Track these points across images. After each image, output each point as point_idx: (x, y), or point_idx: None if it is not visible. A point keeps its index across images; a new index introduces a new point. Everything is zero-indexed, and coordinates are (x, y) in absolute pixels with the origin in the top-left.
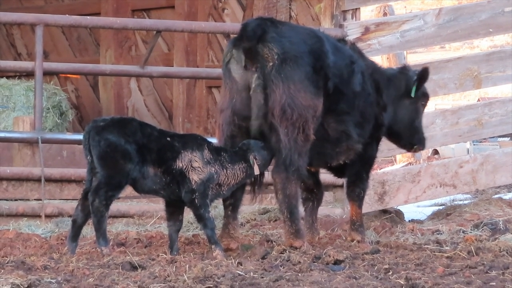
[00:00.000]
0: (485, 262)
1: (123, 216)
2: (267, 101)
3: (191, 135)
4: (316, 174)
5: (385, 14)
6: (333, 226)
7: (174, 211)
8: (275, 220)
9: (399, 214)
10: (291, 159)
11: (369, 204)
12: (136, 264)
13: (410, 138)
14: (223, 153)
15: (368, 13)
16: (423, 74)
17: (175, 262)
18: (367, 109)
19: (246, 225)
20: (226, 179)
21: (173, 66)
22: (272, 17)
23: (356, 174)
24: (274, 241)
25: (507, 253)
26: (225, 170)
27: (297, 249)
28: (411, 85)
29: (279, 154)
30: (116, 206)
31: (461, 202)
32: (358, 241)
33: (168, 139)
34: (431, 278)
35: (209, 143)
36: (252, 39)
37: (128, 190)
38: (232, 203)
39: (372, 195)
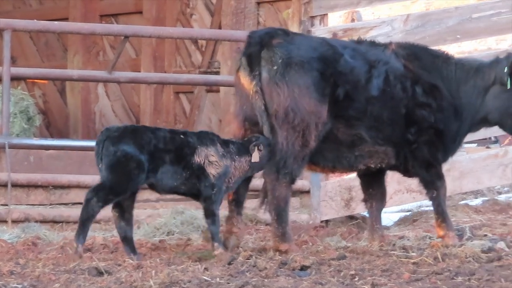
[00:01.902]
0: (451, 268)
1: None
2: (267, 106)
3: (202, 132)
4: (379, 176)
5: (353, 20)
6: (299, 232)
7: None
8: None
9: (365, 220)
10: (285, 162)
11: (336, 210)
12: (103, 270)
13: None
14: (231, 145)
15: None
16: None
17: (141, 267)
18: (385, 113)
19: None
20: (234, 171)
21: (140, 72)
22: (286, 28)
23: (421, 180)
24: (241, 247)
25: (473, 259)
26: (234, 163)
27: (283, 252)
28: (504, 75)
29: (274, 156)
30: None
31: (427, 208)
32: (442, 237)
33: (182, 136)
34: (397, 284)
35: (219, 137)
36: (256, 45)
37: None
38: (236, 198)
39: (339, 201)
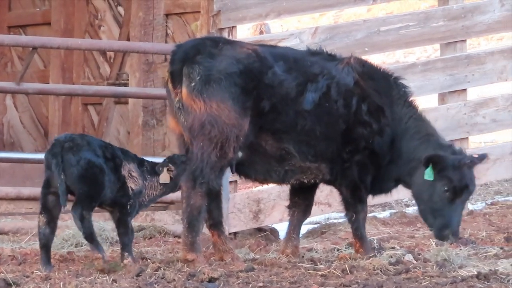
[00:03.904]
0: (359, 281)
1: None
2: (186, 120)
3: (122, 148)
4: (310, 188)
5: (261, 33)
6: (208, 244)
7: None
8: (150, 238)
9: (274, 232)
10: (201, 171)
11: (244, 222)
12: (11, 281)
13: None
14: (145, 164)
15: (244, 32)
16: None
17: (50, 279)
18: (319, 128)
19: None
20: (147, 191)
21: (49, 83)
22: (221, 36)
23: (343, 200)
24: (149, 259)
25: (381, 271)
26: (145, 182)
27: (190, 262)
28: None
29: (190, 165)
30: None
31: (335, 221)
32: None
33: (111, 148)
34: None
35: (136, 155)
36: (178, 62)
37: (3, 207)
38: (214, 220)
39: (247, 213)
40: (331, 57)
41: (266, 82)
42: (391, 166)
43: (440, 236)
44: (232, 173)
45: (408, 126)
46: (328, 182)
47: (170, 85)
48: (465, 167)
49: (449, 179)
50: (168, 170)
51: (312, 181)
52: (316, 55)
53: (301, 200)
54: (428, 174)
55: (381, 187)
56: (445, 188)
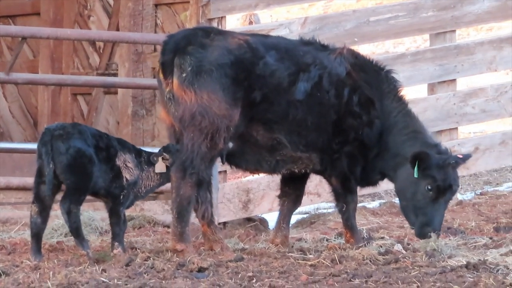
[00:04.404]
0: (349, 270)
1: None
2: (177, 110)
3: (120, 138)
4: (301, 178)
5: (251, 23)
6: (197, 233)
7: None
8: (140, 228)
9: (263, 222)
10: (191, 162)
11: (234, 212)
12: (0, 271)
13: None
14: (143, 155)
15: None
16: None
17: (39, 269)
18: (311, 118)
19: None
20: (143, 181)
21: (38, 73)
22: (212, 26)
23: (333, 191)
24: (139, 248)
25: (370, 261)
26: (142, 173)
27: (179, 252)
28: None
29: (181, 155)
30: None
31: (325, 211)
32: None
33: (107, 137)
34: (295, 286)
35: (134, 146)
36: (169, 53)
37: None
38: (204, 210)
39: (236, 203)
40: (324, 47)
41: (257, 73)
42: (378, 159)
43: (421, 234)
44: (223, 163)
45: (396, 120)
46: (318, 172)
47: (161, 75)
48: (449, 167)
49: (433, 178)
50: (163, 159)
51: (303, 171)
52: (308, 45)
53: (292, 190)
54: (416, 171)
55: (368, 179)
56: (429, 187)
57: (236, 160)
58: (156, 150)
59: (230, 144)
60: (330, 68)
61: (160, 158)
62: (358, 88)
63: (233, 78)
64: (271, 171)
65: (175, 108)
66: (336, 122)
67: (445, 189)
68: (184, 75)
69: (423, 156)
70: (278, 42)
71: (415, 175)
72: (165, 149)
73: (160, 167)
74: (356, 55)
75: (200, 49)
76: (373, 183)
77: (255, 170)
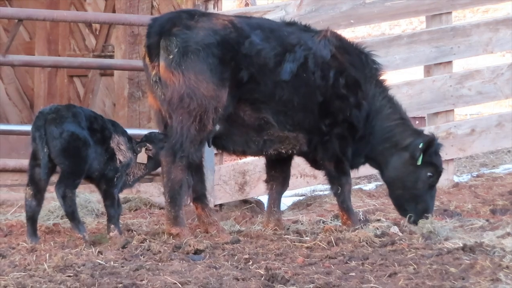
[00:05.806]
0: (345, 253)
1: None
2: (164, 93)
3: (114, 121)
4: (285, 160)
5: (246, 5)
6: (193, 216)
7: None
8: (136, 210)
9: (259, 204)
10: (181, 145)
11: (230, 194)
12: None
13: None
14: (133, 142)
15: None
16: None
17: (36, 251)
18: (297, 98)
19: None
20: (134, 167)
21: (34, 55)
22: (197, 8)
23: (327, 174)
24: (135, 231)
25: (366, 243)
26: (135, 157)
27: (175, 236)
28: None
29: (170, 139)
30: None
31: (321, 193)
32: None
33: (102, 119)
34: (291, 268)
35: (126, 131)
36: (155, 35)
37: None
38: (197, 192)
39: (233, 185)
40: (306, 28)
41: (243, 52)
42: (363, 143)
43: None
44: (209, 146)
45: (382, 104)
46: (304, 154)
47: (147, 59)
48: (439, 153)
49: (433, 164)
50: (146, 149)
51: (290, 151)
52: (291, 25)
53: (278, 173)
54: (420, 159)
55: (352, 162)
56: (430, 174)
57: (223, 142)
58: (146, 132)
59: (217, 127)
60: (315, 49)
61: (143, 149)
62: (344, 70)
63: (219, 58)
64: (258, 151)
65: (162, 91)
66: (323, 104)
67: (440, 174)
68: (171, 56)
69: (432, 143)
70: (262, 23)
71: (419, 163)
72: (147, 138)
73: (141, 157)
74: (340, 38)
75: (185, 30)
76: (356, 165)
77: (242, 151)
